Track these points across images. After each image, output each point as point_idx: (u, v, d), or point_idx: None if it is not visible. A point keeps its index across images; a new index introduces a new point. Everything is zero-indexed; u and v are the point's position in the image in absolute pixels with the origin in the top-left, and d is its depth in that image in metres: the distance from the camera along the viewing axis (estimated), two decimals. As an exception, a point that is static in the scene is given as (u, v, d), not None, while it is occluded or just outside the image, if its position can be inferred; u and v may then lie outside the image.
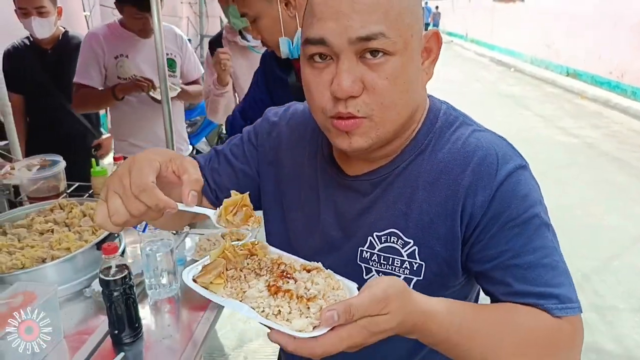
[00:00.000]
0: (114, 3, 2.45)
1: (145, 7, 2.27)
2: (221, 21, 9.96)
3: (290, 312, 0.61)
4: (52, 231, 1.62)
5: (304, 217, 0.95)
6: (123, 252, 1.63)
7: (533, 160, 0.92)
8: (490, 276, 0.80)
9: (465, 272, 0.85)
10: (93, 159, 2.10)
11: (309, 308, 0.61)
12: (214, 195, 0.99)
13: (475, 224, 0.79)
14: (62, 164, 2.06)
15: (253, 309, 0.63)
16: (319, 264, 0.71)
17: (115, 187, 0.65)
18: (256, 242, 0.74)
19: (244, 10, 1.55)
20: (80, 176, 2.27)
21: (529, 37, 13.37)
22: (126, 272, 1.19)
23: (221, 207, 0.71)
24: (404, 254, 0.84)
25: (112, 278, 1.17)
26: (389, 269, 0.85)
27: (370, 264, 0.86)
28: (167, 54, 2.49)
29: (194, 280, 0.68)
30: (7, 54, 2.75)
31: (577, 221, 4.27)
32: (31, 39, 2.71)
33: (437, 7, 23.70)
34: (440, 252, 0.82)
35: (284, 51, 1.56)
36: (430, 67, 0.83)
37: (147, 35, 2.48)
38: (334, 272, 0.70)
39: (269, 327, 0.60)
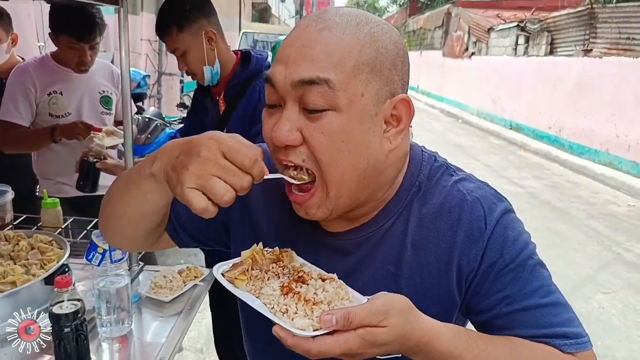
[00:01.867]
0: (49, 34, 2.24)
1: (83, 37, 2.15)
2: (180, 60, 10.02)
3: (296, 312, 0.67)
4: (-4, 264, 1.52)
5: None
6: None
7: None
8: (493, 324, 0.79)
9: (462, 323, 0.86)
10: (45, 190, 2.02)
11: (313, 311, 0.66)
12: (173, 230, 0.95)
13: (473, 276, 0.79)
14: (10, 194, 1.97)
15: (265, 304, 0.69)
16: (334, 275, 0.74)
17: (213, 170, 0.63)
18: (285, 250, 0.81)
19: (176, 46, 1.91)
20: (28, 208, 2.16)
21: (476, 92, 14.17)
22: (80, 306, 1.14)
23: None
24: None
25: (64, 312, 1.11)
26: None
27: None
28: (104, 91, 2.43)
29: (222, 275, 0.76)
30: None
31: (522, 267, 4.42)
32: (-15, 68, 2.62)
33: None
34: (434, 312, 0.76)
35: (207, 77, 1.93)
36: (396, 137, 0.76)
37: (83, 71, 2.28)
38: None
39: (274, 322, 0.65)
